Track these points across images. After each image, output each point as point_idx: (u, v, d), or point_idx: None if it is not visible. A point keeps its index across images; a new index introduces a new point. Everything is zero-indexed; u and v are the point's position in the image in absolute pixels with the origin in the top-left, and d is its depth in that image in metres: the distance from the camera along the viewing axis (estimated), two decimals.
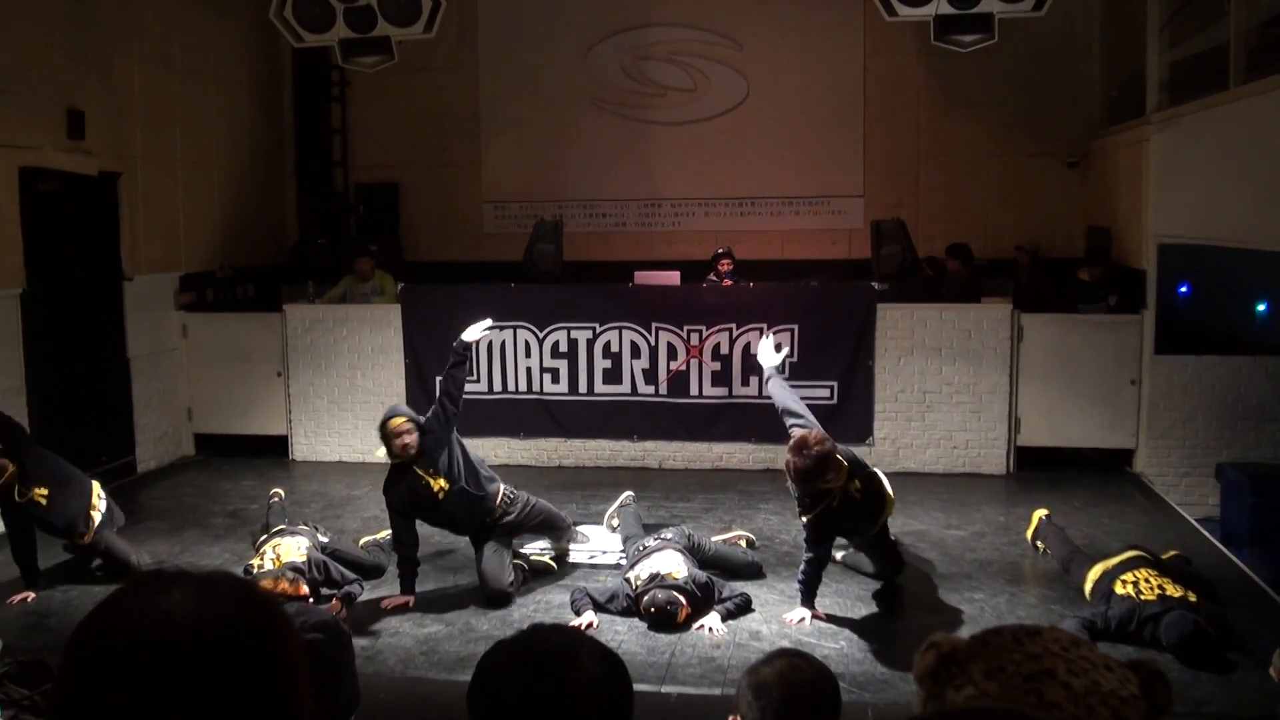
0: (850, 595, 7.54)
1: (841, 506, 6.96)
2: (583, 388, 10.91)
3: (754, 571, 7.86)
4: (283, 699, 1.28)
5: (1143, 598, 6.63)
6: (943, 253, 12.11)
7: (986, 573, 7.91)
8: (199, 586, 1.28)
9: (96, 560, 8.23)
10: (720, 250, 12.35)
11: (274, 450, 11.51)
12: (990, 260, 12.70)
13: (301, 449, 11.51)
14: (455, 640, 6.88)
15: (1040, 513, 8.39)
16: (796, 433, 7.05)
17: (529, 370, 11.01)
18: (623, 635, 6.81)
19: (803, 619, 7.07)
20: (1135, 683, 1.32)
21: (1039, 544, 8.23)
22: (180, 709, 1.20)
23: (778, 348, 8.34)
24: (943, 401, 10.50)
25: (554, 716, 1.76)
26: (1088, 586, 7.16)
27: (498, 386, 11.06)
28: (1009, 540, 8.64)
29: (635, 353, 10.84)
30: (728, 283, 11.75)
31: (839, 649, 6.64)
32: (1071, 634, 1.37)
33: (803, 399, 10.48)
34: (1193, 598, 6.61)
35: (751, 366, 10.63)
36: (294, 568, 7.26)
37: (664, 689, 6.14)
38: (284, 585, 7.06)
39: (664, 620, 6.94)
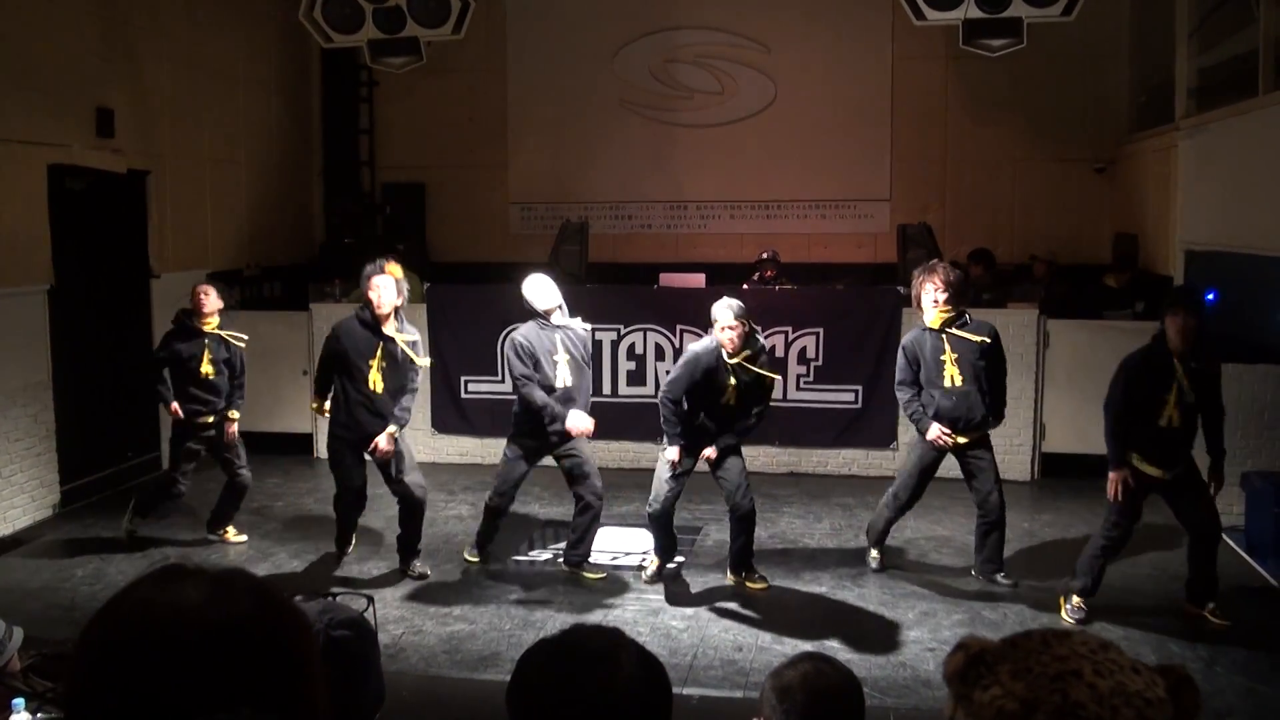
0: (874, 600, 7.55)
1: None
2: (607, 389, 10.91)
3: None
4: (293, 694, 1.29)
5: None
6: (965, 258, 12.07)
7: (1011, 578, 7.88)
8: (212, 582, 1.30)
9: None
10: (765, 255, 12.34)
11: (298, 448, 11.54)
12: (1016, 265, 12.66)
13: (325, 447, 11.51)
14: (479, 640, 6.91)
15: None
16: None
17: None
18: (645, 637, 6.81)
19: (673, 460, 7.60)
20: (1163, 686, 1.32)
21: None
22: (187, 700, 1.22)
23: None
24: None
25: (593, 717, 1.77)
26: None
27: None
28: (1034, 548, 8.61)
29: (660, 355, 10.84)
30: None
31: (862, 654, 6.63)
32: (1101, 639, 1.37)
33: (827, 403, 10.58)
34: None
35: (776, 369, 10.63)
36: None
37: (686, 691, 6.15)
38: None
39: None
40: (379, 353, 7.81)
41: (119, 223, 10.73)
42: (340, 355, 7.91)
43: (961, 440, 7.63)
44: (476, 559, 8.35)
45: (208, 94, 12.02)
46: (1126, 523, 7.17)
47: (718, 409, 7.58)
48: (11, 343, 9.17)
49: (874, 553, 8.15)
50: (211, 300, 8.57)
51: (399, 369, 7.90)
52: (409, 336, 7.95)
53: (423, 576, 8.05)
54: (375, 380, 7.83)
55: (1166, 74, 11.17)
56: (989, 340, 7.56)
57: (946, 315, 7.51)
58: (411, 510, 8.11)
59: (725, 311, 7.41)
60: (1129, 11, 12.97)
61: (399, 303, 7.84)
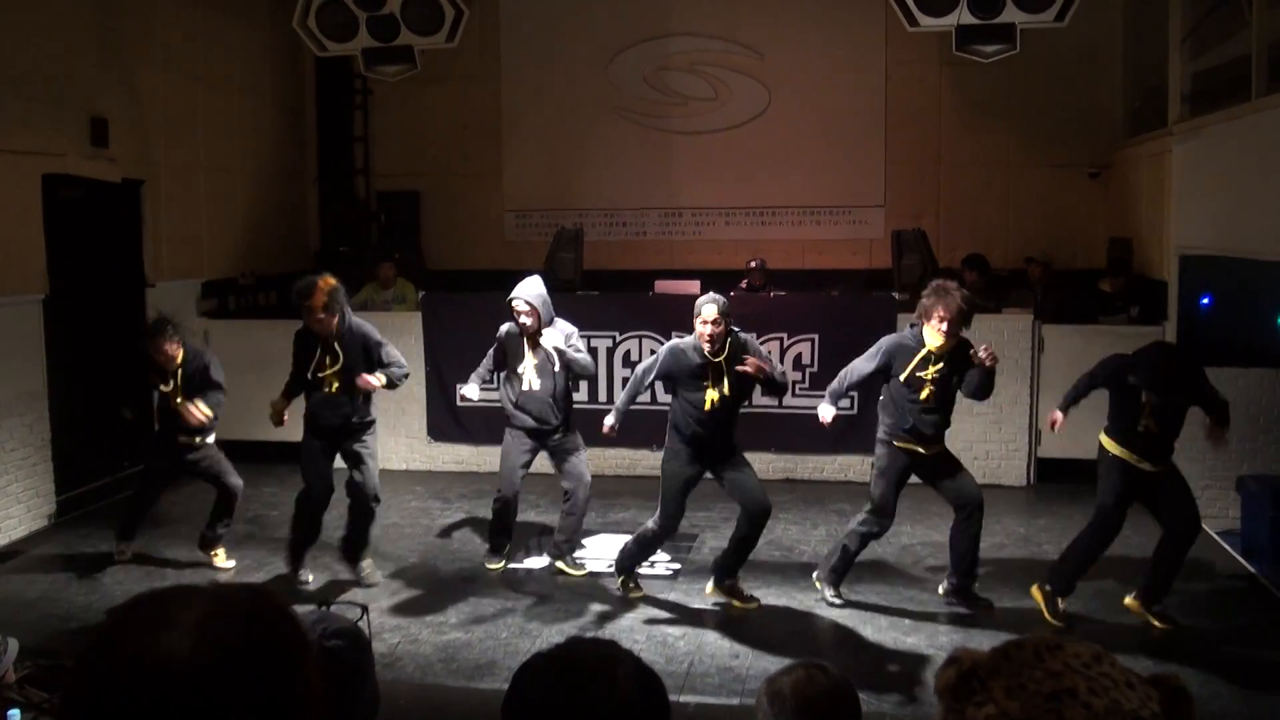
0: (870, 606, 7.54)
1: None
2: (602, 396, 10.91)
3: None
4: (287, 712, 1.28)
5: None
6: (959, 264, 12.07)
7: (1006, 585, 7.88)
8: (201, 619, 1.28)
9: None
10: (753, 264, 12.38)
11: (294, 457, 11.48)
12: (1011, 271, 12.67)
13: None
14: (474, 648, 6.90)
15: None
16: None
17: None
18: (641, 645, 6.81)
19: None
20: (1157, 700, 1.32)
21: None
22: None
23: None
24: (963, 412, 10.37)
25: None
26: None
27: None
28: (1029, 552, 8.62)
29: None
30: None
31: (857, 659, 6.63)
32: (1094, 649, 1.36)
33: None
34: None
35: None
36: None
37: (682, 698, 6.14)
38: None
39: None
40: (327, 359, 7.89)
41: (114, 232, 10.72)
42: (297, 358, 8.17)
43: (921, 450, 7.46)
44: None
45: (202, 103, 12.03)
46: (1115, 509, 7.24)
47: (703, 413, 7.36)
48: (6, 352, 9.16)
49: (829, 592, 7.69)
50: (173, 350, 8.33)
51: (355, 366, 7.88)
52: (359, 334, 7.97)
53: (373, 584, 8.08)
54: (332, 383, 7.91)
55: (1160, 79, 11.18)
56: (966, 364, 7.30)
57: (948, 345, 7.18)
58: (357, 512, 8.20)
59: (709, 306, 7.30)
60: (1122, 17, 12.99)
61: (326, 316, 7.79)
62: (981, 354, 7.14)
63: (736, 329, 7.52)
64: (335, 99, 14.39)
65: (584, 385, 10.95)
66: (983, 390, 7.36)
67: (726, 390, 7.31)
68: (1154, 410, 7.07)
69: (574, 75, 14.31)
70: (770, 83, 14.01)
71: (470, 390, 8.46)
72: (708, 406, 7.31)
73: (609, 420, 7.87)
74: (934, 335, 7.16)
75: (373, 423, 8.18)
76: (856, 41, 13.73)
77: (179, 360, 8.36)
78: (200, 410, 8.35)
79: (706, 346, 7.28)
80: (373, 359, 7.93)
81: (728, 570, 7.62)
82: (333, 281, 7.84)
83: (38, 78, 9.46)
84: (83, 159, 10.01)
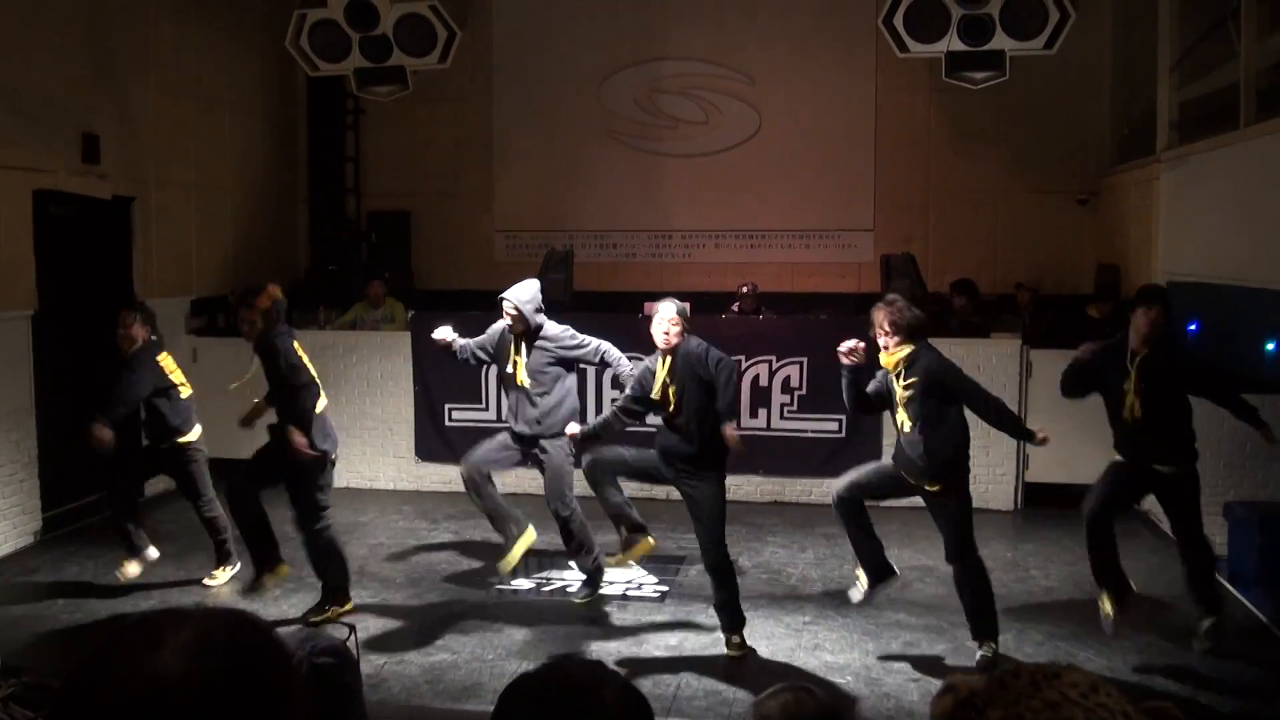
0: (857, 630, 7.53)
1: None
2: (591, 418, 10.88)
3: None
4: None
5: None
6: (949, 288, 12.10)
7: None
8: (191, 641, 1.28)
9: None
10: (744, 289, 12.40)
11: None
12: (1000, 296, 12.70)
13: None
14: (460, 669, 6.88)
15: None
16: None
17: None
18: (628, 667, 6.80)
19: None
20: None
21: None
22: None
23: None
24: None
25: None
26: None
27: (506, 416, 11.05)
28: (1016, 577, 8.61)
29: None
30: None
31: (845, 684, 6.62)
32: (1091, 678, 1.36)
33: (811, 432, 10.56)
34: None
35: (760, 398, 10.64)
36: None
37: None
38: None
39: None
40: (253, 364, 7.94)
41: (104, 248, 10.70)
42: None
43: (925, 486, 7.11)
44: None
45: (194, 120, 12.03)
46: (1101, 491, 7.24)
47: (666, 419, 7.24)
48: None
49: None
50: (135, 332, 8.41)
51: (277, 375, 7.77)
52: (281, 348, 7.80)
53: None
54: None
55: (1148, 107, 11.24)
56: (921, 378, 6.84)
57: (896, 357, 6.85)
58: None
59: (667, 305, 7.18)
60: (1111, 45, 13.07)
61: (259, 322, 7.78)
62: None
63: (705, 344, 7.26)
64: (327, 118, 14.41)
65: (590, 410, 10.96)
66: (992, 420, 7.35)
67: (674, 395, 7.16)
68: (1138, 389, 7.12)
69: (566, 97, 14.34)
70: (761, 107, 14.07)
71: (441, 331, 8.37)
72: (669, 409, 7.20)
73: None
74: (884, 354, 6.91)
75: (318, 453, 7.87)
76: (847, 67, 13.79)
77: (135, 347, 8.37)
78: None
79: (661, 344, 7.16)
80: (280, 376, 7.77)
81: (721, 622, 7.36)
82: (279, 294, 7.84)
83: (29, 94, 9.47)
84: (73, 175, 10.01)
